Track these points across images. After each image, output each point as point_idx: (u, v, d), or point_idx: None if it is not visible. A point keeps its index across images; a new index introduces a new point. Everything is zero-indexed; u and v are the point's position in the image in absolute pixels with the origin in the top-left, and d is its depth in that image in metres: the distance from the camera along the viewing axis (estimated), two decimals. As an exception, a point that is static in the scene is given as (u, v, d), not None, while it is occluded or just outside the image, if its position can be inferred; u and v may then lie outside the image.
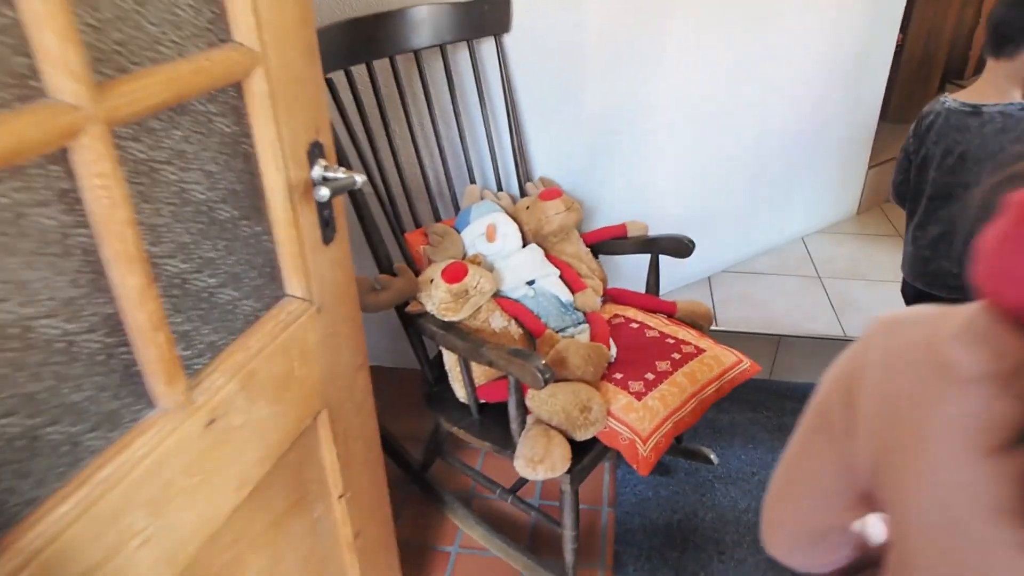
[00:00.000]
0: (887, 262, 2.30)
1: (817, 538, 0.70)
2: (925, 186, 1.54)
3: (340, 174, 0.85)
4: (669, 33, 1.77)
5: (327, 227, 0.89)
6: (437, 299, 1.30)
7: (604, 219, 1.91)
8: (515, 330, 1.39)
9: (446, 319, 1.32)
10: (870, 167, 2.49)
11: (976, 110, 1.41)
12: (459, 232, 1.51)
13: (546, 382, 1.14)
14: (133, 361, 0.65)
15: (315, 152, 0.85)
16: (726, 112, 2.01)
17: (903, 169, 1.62)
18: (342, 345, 0.96)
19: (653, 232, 1.64)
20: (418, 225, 1.55)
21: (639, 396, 1.30)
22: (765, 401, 1.98)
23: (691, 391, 1.34)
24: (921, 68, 2.75)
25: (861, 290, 2.15)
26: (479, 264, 1.42)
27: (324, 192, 0.78)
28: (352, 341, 0.99)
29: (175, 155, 0.66)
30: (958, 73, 2.85)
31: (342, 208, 0.93)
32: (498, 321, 1.37)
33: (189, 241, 0.69)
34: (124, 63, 0.59)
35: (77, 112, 0.53)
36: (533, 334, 1.40)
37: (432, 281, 1.32)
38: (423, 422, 1.93)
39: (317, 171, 0.85)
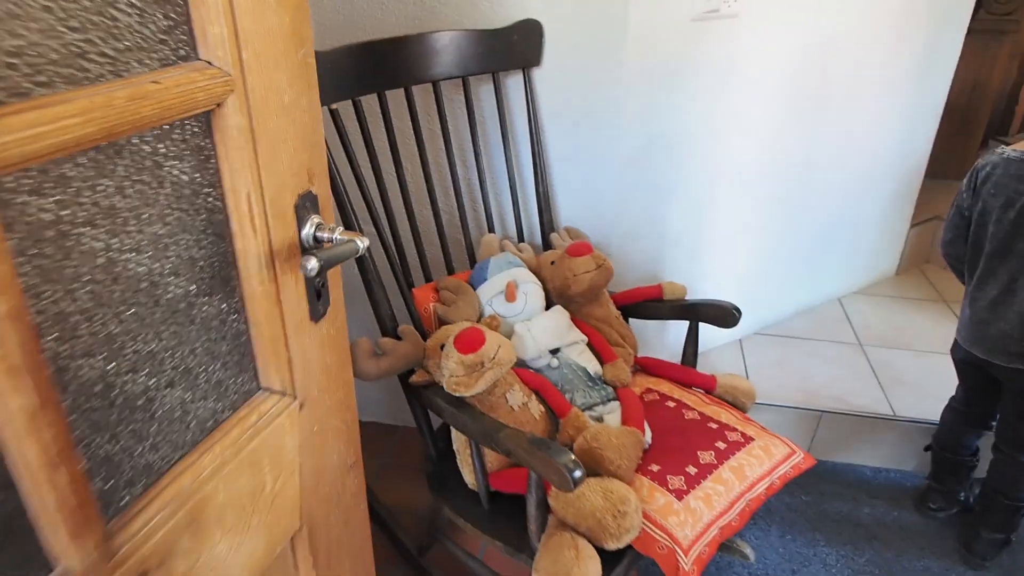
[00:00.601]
0: (932, 330, 2.10)
1: None
2: (984, 243, 1.37)
3: (337, 235, 0.66)
4: (714, 78, 1.60)
5: (318, 299, 0.70)
6: (448, 371, 1.09)
7: (633, 274, 1.72)
8: (536, 408, 1.19)
9: (457, 394, 1.11)
10: (912, 225, 2.30)
11: None
12: (474, 288, 1.31)
13: (576, 483, 0.93)
14: (19, 511, 0.44)
15: (306, 206, 0.65)
16: (770, 163, 1.83)
17: (955, 227, 1.45)
18: (330, 443, 0.76)
19: (688, 294, 1.45)
20: (428, 278, 1.35)
21: (680, 495, 1.09)
22: (804, 483, 1.76)
23: (739, 490, 1.13)
24: (964, 123, 2.58)
25: (907, 361, 1.95)
26: (497, 328, 1.22)
27: (313, 265, 0.58)
28: (344, 436, 0.79)
29: (101, 214, 0.46)
30: (1002, 129, 2.68)
31: (338, 272, 0.74)
32: (517, 397, 1.17)
33: (119, 332, 0.49)
34: (21, 83, 0.39)
35: (-76, 156, 0.34)
36: (557, 413, 1.19)
37: (442, 348, 1.12)
38: (423, 491, 1.72)
39: (308, 231, 0.66)
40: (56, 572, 0.47)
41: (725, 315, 1.33)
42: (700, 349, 1.96)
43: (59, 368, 0.45)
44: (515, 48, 1.40)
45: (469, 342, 1.11)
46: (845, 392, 1.82)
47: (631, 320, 1.46)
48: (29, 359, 0.41)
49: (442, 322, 1.26)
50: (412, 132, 1.31)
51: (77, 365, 0.46)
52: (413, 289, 1.28)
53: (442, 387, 1.13)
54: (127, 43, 0.45)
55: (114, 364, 0.49)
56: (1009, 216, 1.31)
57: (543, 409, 1.20)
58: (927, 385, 1.84)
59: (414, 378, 1.15)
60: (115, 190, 0.47)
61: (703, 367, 1.43)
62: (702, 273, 1.86)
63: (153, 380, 0.53)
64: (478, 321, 1.25)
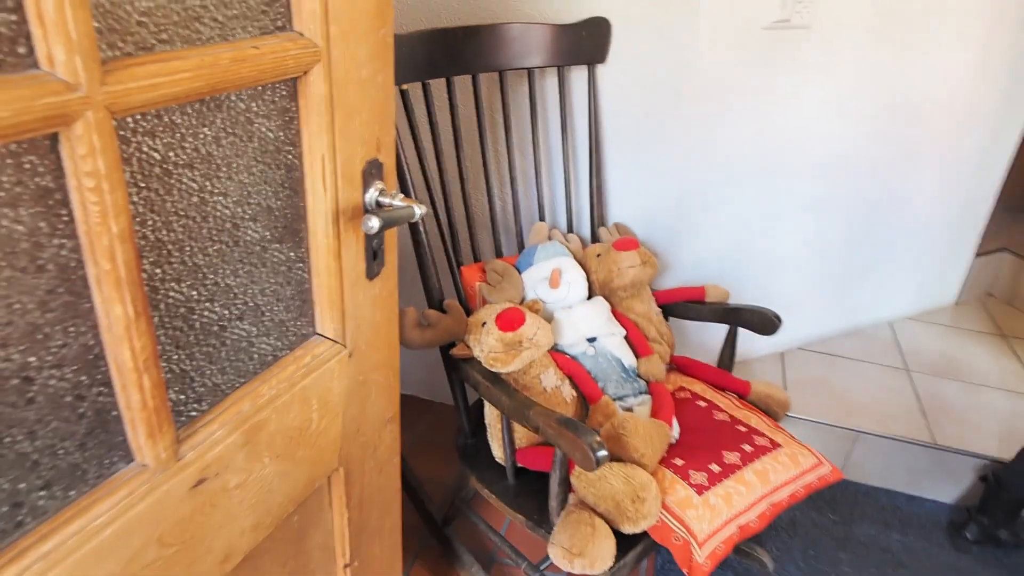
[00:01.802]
0: (987, 364, 2.06)
1: None
2: None
3: (397, 201, 0.73)
4: (782, 90, 1.61)
5: (374, 259, 0.76)
6: (487, 347, 1.16)
7: (677, 277, 1.75)
8: (568, 392, 1.24)
9: (493, 369, 1.17)
10: (977, 255, 2.25)
11: None
12: (520, 272, 1.37)
13: (598, 463, 0.98)
14: (111, 405, 0.52)
15: (372, 172, 0.72)
16: (834, 179, 1.83)
17: None
18: (372, 395, 0.83)
19: (733, 300, 1.47)
20: (477, 259, 1.42)
21: (700, 490, 1.13)
22: (833, 501, 1.76)
23: (761, 493, 1.16)
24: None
25: (955, 392, 1.92)
26: (538, 312, 1.28)
27: (374, 223, 0.64)
28: (385, 391, 0.86)
29: (200, 159, 0.54)
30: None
31: (395, 239, 0.81)
32: (550, 379, 1.22)
33: (203, 264, 0.57)
34: (148, 39, 0.47)
35: (72, 93, 0.41)
36: (588, 399, 1.24)
37: (484, 325, 1.18)
38: (453, 467, 1.79)
39: (371, 194, 0.72)
40: (133, 464, 0.55)
41: (765, 322, 1.35)
42: (741, 358, 1.98)
43: (152, 288, 0.53)
44: (582, 44, 1.45)
45: (509, 321, 1.17)
46: (885, 416, 1.81)
47: (671, 319, 1.50)
48: (131, 275, 0.49)
49: (487, 301, 1.32)
50: (475, 118, 1.38)
51: (167, 288, 0.54)
52: (462, 267, 1.35)
53: (480, 362, 1.19)
54: (235, 11, 0.53)
55: (196, 291, 0.57)
56: None
57: (575, 394, 1.25)
58: (974, 418, 1.81)
59: (455, 350, 1.21)
60: (212, 139, 0.54)
61: (743, 375, 1.46)
62: (750, 283, 1.87)
63: (226, 311, 0.60)
64: (521, 303, 1.31)
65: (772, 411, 1.39)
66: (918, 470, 1.77)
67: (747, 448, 1.22)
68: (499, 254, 1.46)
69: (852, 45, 1.65)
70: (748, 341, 1.97)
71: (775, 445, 1.24)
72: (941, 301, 2.33)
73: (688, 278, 1.76)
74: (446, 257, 1.34)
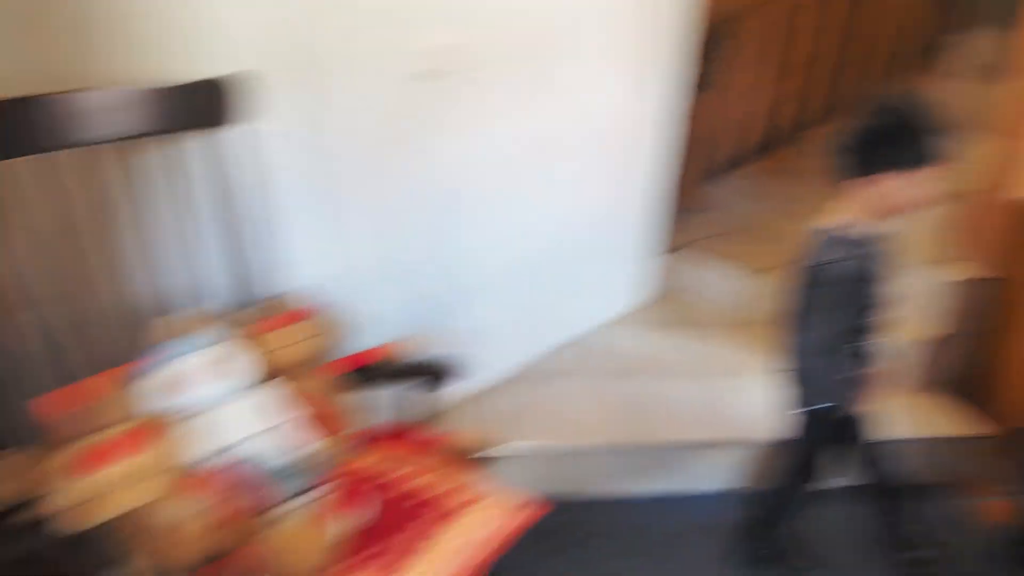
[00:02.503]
0: (677, 355, 2.14)
1: None
2: None
3: None
4: (448, 131, 1.56)
5: None
6: (69, 497, 0.89)
7: (371, 335, 1.60)
8: (202, 521, 1.00)
9: (83, 526, 0.90)
10: (667, 253, 2.40)
11: None
12: (147, 377, 1.12)
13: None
14: None
15: None
16: (516, 206, 1.81)
17: None
18: None
19: (426, 350, 1.37)
20: (98, 370, 1.14)
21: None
22: (559, 527, 1.64)
23: (459, 561, 1.03)
24: (708, 157, 2.78)
25: (655, 388, 1.95)
26: (161, 427, 1.03)
27: None
28: None
29: None
30: (741, 162, 2.95)
31: None
32: (176, 511, 0.97)
33: None
34: None
35: None
36: (228, 521, 1.02)
37: (62, 471, 0.91)
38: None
39: None
40: None
41: (443, 371, 1.29)
42: (458, 399, 1.89)
43: None
44: (204, 107, 1.23)
45: (100, 456, 0.91)
46: (595, 425, 1.82)
47: (358, 388, 1.34)
48: None
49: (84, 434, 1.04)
50: (84, 198, 1.11)
51: None
52: (39, 397, 1.04)
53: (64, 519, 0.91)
54: None
55: None
56: None
57: (215, 519, 1.02)
58: (674, 409, 1.90)
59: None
60: None
61: (457, 419, 1.38)
62: (451, 323, 1.79)
63: None
64: (137, 422, 1.05)
65: (470, 457, 1.29)
66: (635, 470, 1.80)
67: (440, 513, 1.09)
68: (129, 360, 1.19)
69: (517, 83, 1.66)
70: (460, 383, 1.88)
71: (468, 502, 1.13)
72: (638, 302, 2.42)
73: (383, 333, 1.63)
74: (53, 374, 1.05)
